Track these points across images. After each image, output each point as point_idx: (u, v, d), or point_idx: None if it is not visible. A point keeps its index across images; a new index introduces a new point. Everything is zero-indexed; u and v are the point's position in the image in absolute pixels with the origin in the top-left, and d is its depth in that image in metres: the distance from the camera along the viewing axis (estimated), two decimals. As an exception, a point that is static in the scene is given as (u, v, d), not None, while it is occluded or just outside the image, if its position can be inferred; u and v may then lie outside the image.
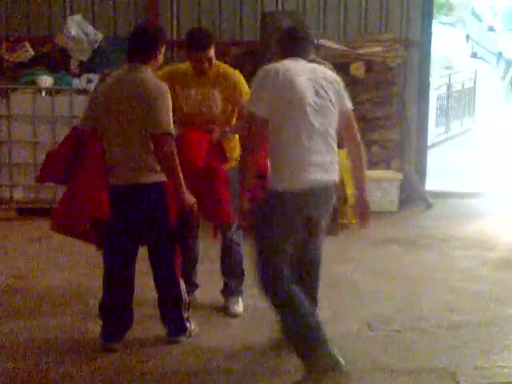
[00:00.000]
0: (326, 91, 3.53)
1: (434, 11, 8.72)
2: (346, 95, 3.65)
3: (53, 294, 4.98)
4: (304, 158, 3.48)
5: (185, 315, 4.11)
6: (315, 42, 7.23)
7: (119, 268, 4.00)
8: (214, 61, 4.37)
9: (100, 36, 7.44)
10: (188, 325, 4.13)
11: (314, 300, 3.79)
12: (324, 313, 4.02)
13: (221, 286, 4.72)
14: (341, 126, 3.62)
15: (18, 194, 7.26)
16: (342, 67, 7.55)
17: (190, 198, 3.86)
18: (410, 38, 8.00)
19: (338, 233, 6.53)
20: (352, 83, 7.59)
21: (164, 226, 3.92)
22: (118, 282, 4.01)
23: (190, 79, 4.34)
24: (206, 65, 4.31)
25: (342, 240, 6.41)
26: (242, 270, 4.64)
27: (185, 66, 4.45)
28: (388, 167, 7.90)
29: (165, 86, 3.85)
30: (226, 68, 4.51)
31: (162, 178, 3.85)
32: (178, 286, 4.04)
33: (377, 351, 4.03)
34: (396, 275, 5.47)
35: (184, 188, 3.81)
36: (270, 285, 3.58)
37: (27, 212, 7.17)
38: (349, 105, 3.65)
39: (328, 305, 4.43)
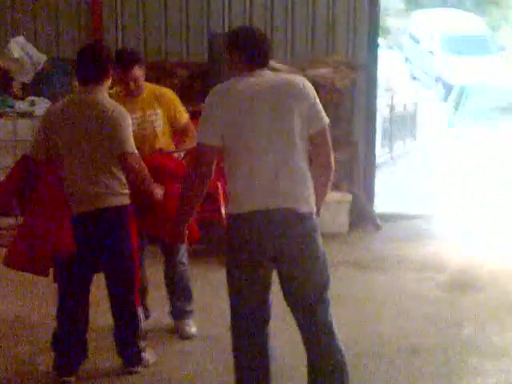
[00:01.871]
0: (288, 109, 3.14)
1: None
2: (320, 110, 3.21)
3: (2, 325, 4.79)
4: (251, 183, 3.14)
5: (141, 345, 4.00)
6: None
7: (74, 298, 3.87)
8: (142, 82, 4.29)
9: (43, 58, 7.28)
10: (144, 354, 4.02)
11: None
12: (277, 341, 3.72)
13: (168, 309, 4.61)
14: (312, 144, 3.22)
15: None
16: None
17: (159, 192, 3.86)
18: (356, 60, 8.07)
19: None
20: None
21: (125, 252, 3.82)
22: (72, 312, 3.88)
23: (125, 102, 4.15)
24: (132, 85, 4.24)
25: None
26: (190, 290, 4.57)
27: (114, 90, 4.35)
28: (336, 189, 7.90)
29: (122, 107, 3.79)
30: (159, 88, 4.49)
31: (123, 201, 3.78)
32: (136, 315, 3.94)
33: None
34: (349, 299, 5.40)
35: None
36: (232, 322, 3.34)
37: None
38: (324, 122, 3.21)
39: (280, 332, 4.33)
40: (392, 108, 13.32)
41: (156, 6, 7.87)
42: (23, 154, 3.94)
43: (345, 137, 7.97)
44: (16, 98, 7.15)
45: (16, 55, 7.11)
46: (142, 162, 3.77)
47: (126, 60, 4.23)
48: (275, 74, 3.30)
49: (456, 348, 4.47)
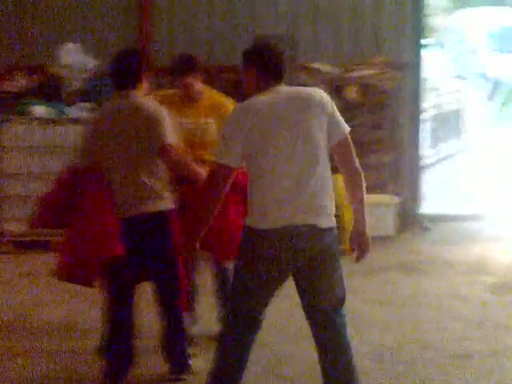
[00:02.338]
0: (307, 121, 3.15)
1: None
2: (340, 120, 3.25)
3: (49, 331, 4.86)
4: (272, 198, 3.15)
5: (188, 351, 4.00)
6: (307, 64, 7.46)
7: (120, 305, 3.89)
8: (200, 88, 4.30)
9: (93, 64, 7.36)
10: (191, 361, 4.01)
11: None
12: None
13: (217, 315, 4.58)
14: (336, 153, 3.26)
15: (12, 227, 7.09)
16: (335, 91, 7.63)
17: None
18: (401, 60, 8.02)
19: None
20: (346, 107, 7.62)
21: (170, 257, 3.82)
22: (119, 320, 3.90)
23: (181, 106, 4.24)
24: (191, 91, 4.26)
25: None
26: None
27: (172, 91, 4.40)
28: (383, 191, 7.87)
29: (159, 105, 3.83)
30: (220, 97, 4.46)
31: (168, 205, 3.80)
32: (183, 321, 3.95)
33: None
34: (398, 303, 5.40)
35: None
36: (228, 319, 3.39)
37: (22, 245, 7.03)
38: (344, 130, 3.25)
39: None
40: (438, 108, 13.16)
41: (203, 10, 7.95)
42: (67, 167, 3.97)
43: (390, 138, 7.94)
44: (67, 104, 7.26)
45: (66, 62, 7.23)
46: (183, 152, 3.77)
47: (180, 67, 4.27)
48: (292, 88, 3.31)
49: (509, 353, 4.41)
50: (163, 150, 3.72)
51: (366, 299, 5.50)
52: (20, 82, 7.31)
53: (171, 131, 3.75)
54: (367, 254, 3.38)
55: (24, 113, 7.14)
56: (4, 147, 7.12)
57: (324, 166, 3.20)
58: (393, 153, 7.99)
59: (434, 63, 16.95)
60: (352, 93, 7.66)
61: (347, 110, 7.63)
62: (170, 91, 4.43)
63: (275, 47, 3.36)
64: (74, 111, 7.16)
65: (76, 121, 6.94)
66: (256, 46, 3.41)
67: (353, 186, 3.30)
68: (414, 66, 8.12)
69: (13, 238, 7.11)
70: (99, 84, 7.05)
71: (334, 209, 3.25)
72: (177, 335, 3.95)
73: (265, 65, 3.26)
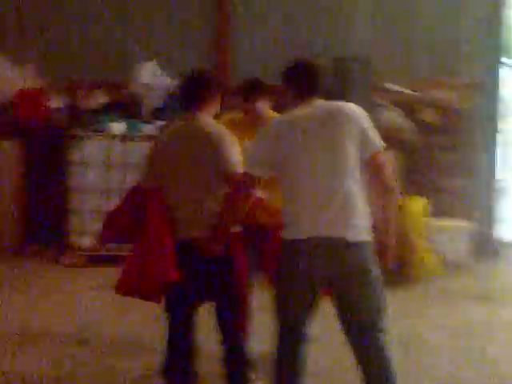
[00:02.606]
0: (339, 135, 3.22)
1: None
2: (372, 135, 3.28)
3: (119, 346, 4.92)
4: (303, 210, 3.25)
5: (250, 376, 3.91)
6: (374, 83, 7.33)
7: (182, 328, 3.86)
8: (267, 112, 4.25)
9: (173, 83, 7.45)
10: None
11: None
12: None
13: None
14: (369, 169, 3.30)
15: (88, 241, 7.25)
16: (409, 112, 7.54)
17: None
18: (478, 81, 7.87)
19: (405, 284, 6.38)
20: (421, 128, 7.53)
21: (235, 279, 3.76)
22: (180, 340, 3.87)
23: (248, 129, 4.13)
24: (256, 116, 4.22)
25: (410, 294, 6.23)
26: None
27: (240, 115, 4.34)
28: (457, 216, 7.71)
29: (226, 130, 3.76)
30: None
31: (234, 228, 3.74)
32: (244, 344, 3.87)
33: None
34: (472, 333, 5.24)
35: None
36: (277, 334, 3.46)
37: (96, 259, 7.19)
38: (377, 145, 3.28)
39: (398, 365, 4.24)
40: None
41: (282, 31, 8.00)
42: (134, 184, 3.98)
43: (465, 161, 7.79)
44: (144, 121, 7.41)
45: (146, 80, 7.38)
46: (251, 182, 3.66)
47: (248, 92, 4.23)
48: (327, 102, 3.37)
49: None
50: (231, 179, 3.62)
51: (438, 326, 5.38)
52: (99, 99, 7.49)
53: (238, 156, 3.67)
54: (388, 264, 3.39)
55: (102, 129, 7.34)
56: (78, 162, 7.32)
57: (354, 180, 3.24)
58: (468, 176, 7.84)
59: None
60: (428, 115, 7.54)
61: (422, 131, 7.56)
62: (238, 116, 4.36)
63: (310, 64, 3.48)
64: (150, 128, 7.29)
65: (152, 138, 7.01)
66: (292, 64, 3.50)
67: (384, 203, 3.33)
68: (492, 86, 7.96)
69: (86, 252, 7.28)
70: (175, 103, 7.12)
71: (366, 223, 3.27)
72: (238, 359, 3.87)
73: (299, 80, 3.40)
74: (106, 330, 5.26)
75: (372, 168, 3.30)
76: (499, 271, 7.15)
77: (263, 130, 3.44)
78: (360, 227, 3.24)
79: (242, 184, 3.39)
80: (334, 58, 7.59)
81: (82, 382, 4.32)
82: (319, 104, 3.36)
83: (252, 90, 4.25)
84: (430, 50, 8.00)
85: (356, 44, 7.92)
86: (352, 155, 3.23)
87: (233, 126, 4.07)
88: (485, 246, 7.68)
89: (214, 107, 3.85)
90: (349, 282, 3.25)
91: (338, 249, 3.21)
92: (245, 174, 3.38)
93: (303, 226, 3.24)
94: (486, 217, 7.96)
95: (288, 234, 3.31)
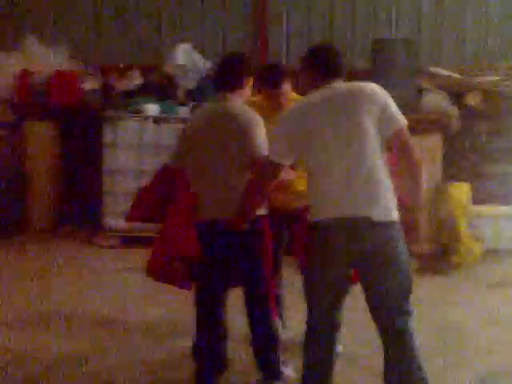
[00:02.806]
0: (358, 114, 3.17)
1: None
2: (394, 113, 3.22)
3: (151, 328, 4.85)
4: (327, 191, 3.20)
5: (280, 358, 3.84)
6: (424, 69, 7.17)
7: (211, 310, 3.81)
8: (289, 96, 4.17)
9: (207, 65, 7.41)
10: (284, 369, 3.85)
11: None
12: (431, 361, 3.57)
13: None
14: (394, 147, 3.26)
15: (121, 223, 7.13)
16: (457, 97, 7.30)
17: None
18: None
19: (449, 270, 6.20)
20: (467, 113, 7.29)
21: (260, 261, 3.71)
22: (209, 324, 3.82)
23: (268, 113, 4.04)
24: (281, 100, 4.13)
25: (452, 280, 6.04)
26: None
27: (258, 99, 4.26)
28: (505, 202, 7.42)
29: (254, 113, 3.72)
30: None
31: (260, 211, 3.67)
32: (273, 327, 3.80)
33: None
34: (509, 323, 5.01)
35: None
36: (307, 320, 3.38)
37: (130, 241, 7.15)
38: (399, 123, 3.22)
39: (436, 353, 4.05)
40: None
41: (320, 14, 7.84)
42: (163, 163, 3.97)
43: (509, 147, 7.49)
44: (179, 103, 7.33)
45: (181, 62, 7.31)
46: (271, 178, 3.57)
47: (275, 76, 4.15)
48: (346, 83, 3.34)
49: None
50: (255, 163, 3.60)
51: (480, 316, 5.16)
52: (135, 81, 7.44)
53: (263, 141, 3.64)
54: (412, 241, 3.34)
55: (137, 111, 7.27)
56: (113, 144, 7.27)
57: (377, 157, 3.19)
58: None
59: None
60: (473, 99, 7.28)
61: (468, 116, 7.31)
62: (257, 100, 4.28)
63: (326, 47, 3.50)
64: (185, 111, 7.20)
65: (184, 120, 6.90)
66: (313, 48, 3.50)
67: (410, 178, 3.26)
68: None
69: (120, 234, 7.25)
70: (209, 85, 6.99)
71: (392, 201, 3.19)
72: (267, 342, 3.82)
73: (317, 64, 3.36)
74: (137, 312, 5.21)
75: (397, 145, 3.25)
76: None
77: (284, 116, 3.42)
78: (386, 206, 3.17)
79: (266, 168, 3.39)
80: (374, 39, 7.40)
81: (111, 363, 4.27)
82: (339, 85, 3.32)
83: (277, 74, 4.17)
84: (479, 34, 7.76)
85: (400, 26, 7.69)
86: (373, 134, 3.19)
87: (260, 109, 4.01)
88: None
89: (246, 91, 3.85)
90: (375, 263, 3.17)
91: (363, 228, 3.15)
92: (268, 161, 3.37)
93: (327, 207, 3.20)
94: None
95: (313, 216, 3.27)
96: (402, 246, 3.19)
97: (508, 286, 5.90)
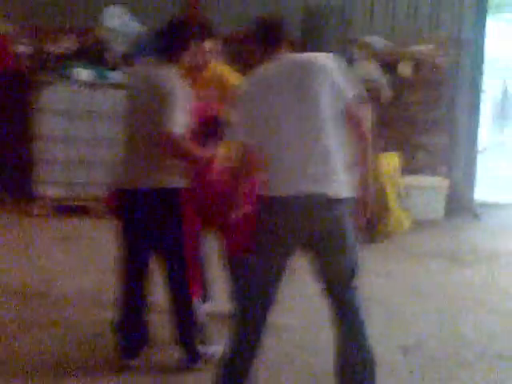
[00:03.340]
0: (310, 87, 3.09)
1: (494, 10, 8.38)
2: (344, 86, 3.11)
3: (78, 300, 4.79)
4: (283, 168, 3.11)
5: (198, 339, 3.76)
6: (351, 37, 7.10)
7: (133, 282, 3.77)
8: (209, 58, 4.09)
9: (139, 28, 7.23)
10: (203, 349, 3.77)
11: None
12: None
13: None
14: (346, 118, 3.14)
15: (53, 191, 7.09)
16: (389, 66, 7.33)
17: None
18: (462, 37, 7.65)
19: (377, 240, 6.31)
20: (399, 83, 7.34)
21: (177, 236, 3.63)
22: (130, 295, 3.77)
23: (188, 75, 3.85)
24: (201, 58, 4.01)
25: (379, 251, 6.14)
26: None
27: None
28: (434, 173, 7.56)
29: (182, 86, 3.56)
30: (223, 69, 4.27)
31: (179, 184, 3.60)
32: (190, 306, 3.71)
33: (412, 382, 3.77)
34: (435, 294, 5.14)
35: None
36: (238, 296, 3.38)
37: (62, 209, 7.04)
38: (347, 96, 3.12)
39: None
40: (504, 89, 12.65)
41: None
42: None
43: (446, 118, 7.61)
44: (110, 68, 7.14)
45: (111, 25, 7.12)
46: (184, 142, 3.52)
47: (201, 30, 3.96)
48: (296, 55, 3.25)
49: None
50: (161, 137, 3.46)
51: (401, 286, 5.29)
52: (65, 45, 7.22)
53: (179, 115, 3.47)
54: (363, 222, 3.24)
55: (66, 75, 7.07)
56: (43, 109, 7.05)
57: (332, 133, 3.11)
58: (448, 134, 7.66)
59: (500, 41, 16.26)
60: (405, 69, 7.34)
61: (400, 86, 7.36)
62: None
63: (270, 19, 3.38)
64: (116, 76, 7.04)
65: (117, 86, 6.79)
66: (254, 22, 3.40)
67: (359, 151, 3.18)
68: (476, 42, 7.73)
69: (51, 202, 7.10)
70: (142, 49, 6.85)
71: (349, 177, 3.13)
72: (184, 322, 3.73)
73: (262, 36, 3.28)
74: (66, 282, 5.14)
75: (348, 117, 3.15)
76: (471, 232, 7.03)
77: (239, 95, 3.28)
78: (343, 182, 3.10)
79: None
80: (305, 7, 7.34)
81: (38, 335, 4.20)
82: (289, 57, 3.24)
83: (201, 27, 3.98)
84: (412, 5, 7.76)
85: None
86: (328, 107, 3.10)
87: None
88: (460, 207, 7.53)
89: (186, 59, 3.70)
90: (329, 240, 3.12)
91: (320, 205, 3.07)
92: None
93: (282, 183, 3.11)
94: (464, 177, 7.80)
95: (267, 191, 3.16)
96: (350, 221, 3.15)
97: (430, 257, 6.01)
